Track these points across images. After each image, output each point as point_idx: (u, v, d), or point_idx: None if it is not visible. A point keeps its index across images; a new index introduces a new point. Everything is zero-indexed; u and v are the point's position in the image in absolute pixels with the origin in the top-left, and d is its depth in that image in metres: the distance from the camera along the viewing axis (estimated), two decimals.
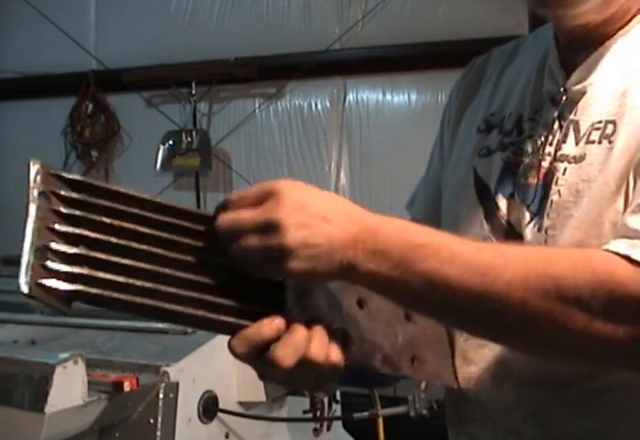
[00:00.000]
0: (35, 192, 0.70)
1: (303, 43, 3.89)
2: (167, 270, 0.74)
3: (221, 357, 1.65)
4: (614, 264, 0.75)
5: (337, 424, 2.22)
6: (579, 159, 0.90)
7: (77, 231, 0.71)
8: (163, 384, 1.56)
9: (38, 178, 0.70)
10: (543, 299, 0.74)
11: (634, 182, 0.84)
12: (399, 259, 0.74)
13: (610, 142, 0.87)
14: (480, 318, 0.78)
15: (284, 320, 0.76)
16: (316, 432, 2.12)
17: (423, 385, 1.83)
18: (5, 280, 2.18)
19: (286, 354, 0.74)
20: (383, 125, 3.86)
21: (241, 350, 0.76)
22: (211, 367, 1.67)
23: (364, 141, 3.88)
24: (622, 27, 0.92)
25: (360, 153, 3.88)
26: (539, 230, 0.92)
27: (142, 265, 0.73)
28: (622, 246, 0.76)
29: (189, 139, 4.00)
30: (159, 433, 1.53)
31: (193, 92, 4.05)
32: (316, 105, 3.98)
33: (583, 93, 0.92)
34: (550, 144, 0.94)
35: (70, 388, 1.37)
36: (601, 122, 0.89)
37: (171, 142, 4.04)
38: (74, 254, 0.70)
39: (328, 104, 3.96)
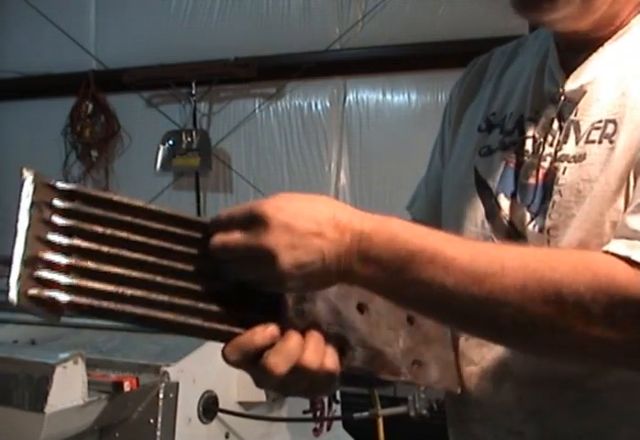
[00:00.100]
0: (27, 203, 0.69)
1: (303, 43, 3.88)
2: (159, 278, 0.74)
3: (221, 358, 1.65)
4: (615, 267, 0.74)
5: (337, 424, 2.22)
6: (579, 159, 0.90)
7: (68, 241, 0.71)
8: (163, 384, 1.56)
9: (31, 188, 0.70)
10: (542, 304, 0.73)
11: (635, 182, 0.84)
12: (395, 269, 0.74)
13: (611, 142, 0.87)
14: (478, 322, 0.78)
15: (279, 327, 0.76)
16: (316, 432, 2.12)
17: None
18: (5, 280, 2.17)
19: (279, 361, 0.74)
20: (383, 125, 3.85)
21: (233, 358, 0.76)
22: (211, 367, 1.66)
23: (364, 141, 3.87)
24: (618, 29, 0.92)
25: (360, 153, 3.87)
26: (540, 231, 0.92)
27: (134, 273, 0.73)
28: (621, 246, 0.76)
29: (189, 139, 3.99)
30: (159, 433, 1.53)
31: (193, 92, 4.04)
32: (316, 105, 3.98)
33: (583, 93, 0.92)
34: (550, 144, 0.93)
35: (70, 388, 1.37)
36: (601, 121, 0.89)
37: (171, 142, 4.03)
38: (65, 264, 0.70)
39: (328, 104, 3.95)
